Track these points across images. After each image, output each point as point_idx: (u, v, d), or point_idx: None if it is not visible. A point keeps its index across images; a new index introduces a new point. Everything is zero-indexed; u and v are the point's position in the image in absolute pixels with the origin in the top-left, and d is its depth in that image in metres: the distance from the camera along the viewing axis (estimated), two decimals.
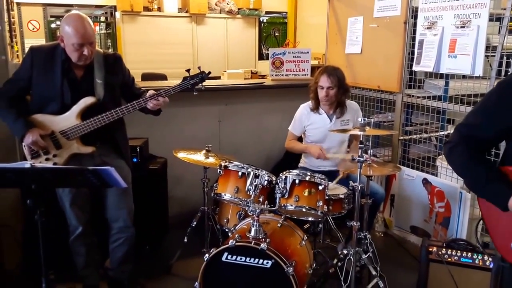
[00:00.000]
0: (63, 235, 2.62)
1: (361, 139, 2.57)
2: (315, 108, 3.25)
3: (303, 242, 2.61)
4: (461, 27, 3.02)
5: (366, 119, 2.65)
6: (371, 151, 2.77)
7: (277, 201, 2.66)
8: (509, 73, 2.88)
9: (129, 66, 2.67)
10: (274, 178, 2.74)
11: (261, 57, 8.17)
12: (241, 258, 2.31)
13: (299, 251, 2.55)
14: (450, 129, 3.59)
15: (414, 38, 3.43)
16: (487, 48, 2.92)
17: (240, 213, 2.85)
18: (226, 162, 2.78)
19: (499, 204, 1.59)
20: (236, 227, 2.69)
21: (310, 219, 2.76)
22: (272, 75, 4.47)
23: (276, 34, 8.72)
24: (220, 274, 2.36)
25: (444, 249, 2.65)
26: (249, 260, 2.30)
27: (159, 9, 7.33)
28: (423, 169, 3.54)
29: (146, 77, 5.72)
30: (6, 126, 2.44)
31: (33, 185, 1.89)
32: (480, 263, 2.58)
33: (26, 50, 2.54)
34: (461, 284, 2.58)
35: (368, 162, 2.72)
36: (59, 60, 2.39)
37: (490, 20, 2.90)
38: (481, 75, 2.96)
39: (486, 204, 1.67)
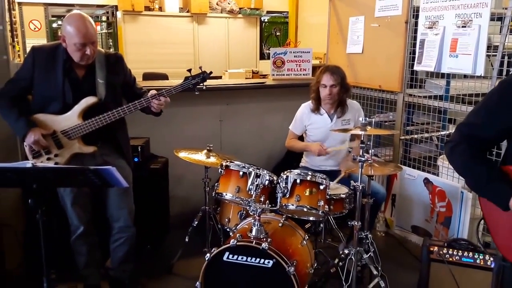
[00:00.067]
0: (64, 234, 2.63)
1: (362, 139, 2.58)
2: (316, 109, 3.25)
3: (304, 241, 2.61)
4: (463, 26, 3.02)
5: (367, 118, 2.66)
6: (372, 150, 2.77)
7: (278, 200, 2.66)
8: (510, 73, 2.87)
9: (130, 66, 2.67)
10: (275, 178, 2.74)
11: (262, 56, 8.16)
12: (242, 258, 2.31)
13: (300, 250, 2.55)
14: (452, 129, 3.59)
15: (415, 38, 3.43)
16: (488, 47, 2.92)
17: (241, 212, 2.85)
18: (227, 161, 2.78)
19: (500, 204, 1.59)
20: (237, 227, 2.69)
21: (311, 218, 2.76)
22: (273, 74, 4.46)
23: (277, 33, 8.71)
24: (221, 273, 2.36)
25: (445, 249, 2.65)
26: (250, 259, 2.30)
27: (160, 8, 7.33)
28: (424, 168, 3.53)
29: (147, 76, 5.72)
30: (7, 126, 2.44)
31: (34, 184, 1.89)
32: (482, 263, 2.57)
33: (28, 50, 2.54)
34: (462, 284, 2.58)
35: (369, 161, 2.72)
36: (61, 60, 2.39)
37: (492, 19, 2.90)
38: (482, 75, 2.95)
39: (487, 204, 1.67)
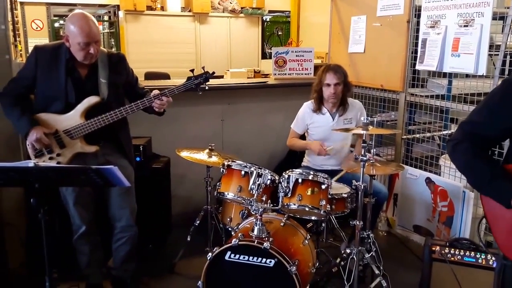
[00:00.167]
0: (67, 234, 2.63)
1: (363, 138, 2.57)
2: (318, 109, 3.25)
3: (306, 241, 2.61)
4: (465, 26, 3.01)
5: (369, 118, 2.65)
6: (374, 150, 2.76)
7: (280, 200, 2.66)
8: None
9: (132, 65, 2.68)
10: (277, 177, 2.73)
11: (264, 56, 8.17)
12: (244, 257, 2.31)
13: (302, 250, 2.55)
14: (453, 128, 3.58)
15: (417, 37, 3.42)
16: (490, 47, 2.91)
17: (243, 212, 2.86)
18: (229, 161, 2.78)
19: (503, 202, 1.59)
20: (239, 226, 2.69)
21: (313, 218, 2.76)
22: (275, 74, 4.46)
23: (279, 33, 8.71)
24: (223, 273, 2.36)
25: (447, 248, 2.64)
26: (252, 259, 2.30)
27: (162, 8, 7.35)
28: (426, 168, 3.53)
29: (149, 76, 5.74)
30: (10, 125, 2.45)
31: (36, 184, 1.90)
32: (483, 263, 2.57)
33: (30, 49, 2.54)
34: (464, 284, 2.57)
35: (371, 161, 2.72)
36: (63, 59, 2.40)
37: (494, 19, 2.89)
38: (484, 74, 2.95)
39: (489, 202, 1.67)
